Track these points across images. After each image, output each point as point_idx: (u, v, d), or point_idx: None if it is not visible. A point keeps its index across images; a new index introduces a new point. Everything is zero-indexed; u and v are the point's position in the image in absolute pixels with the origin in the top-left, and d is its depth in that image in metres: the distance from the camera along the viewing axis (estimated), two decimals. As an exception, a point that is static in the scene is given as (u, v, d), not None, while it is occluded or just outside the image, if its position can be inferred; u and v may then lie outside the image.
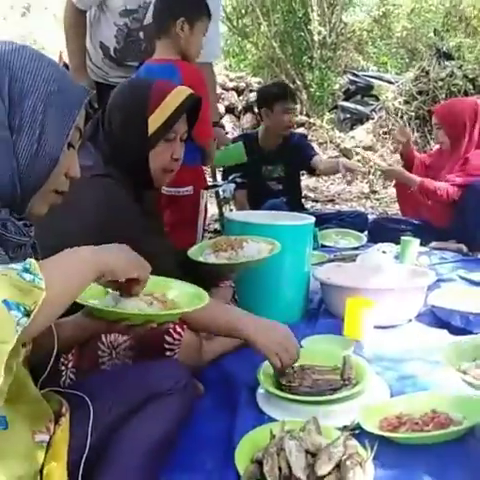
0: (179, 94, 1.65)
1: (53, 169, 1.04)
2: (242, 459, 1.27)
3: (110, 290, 1.17)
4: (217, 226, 4.04)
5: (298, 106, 3.58)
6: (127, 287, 1.11)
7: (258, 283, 2.08)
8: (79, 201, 1.40)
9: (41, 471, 1.05)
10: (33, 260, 0.86)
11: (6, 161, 0.99)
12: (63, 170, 1.07)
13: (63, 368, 1.47)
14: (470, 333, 1.95)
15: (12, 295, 0.79)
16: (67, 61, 2.72)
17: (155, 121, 1.60)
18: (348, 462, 1.20)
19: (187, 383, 1.34)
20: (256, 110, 5.50)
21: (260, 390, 1.58)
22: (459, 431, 1.30)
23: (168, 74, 2.23)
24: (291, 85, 10.17)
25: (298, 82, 9.78)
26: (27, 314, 0.79)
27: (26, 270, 0.83)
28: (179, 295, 1.29)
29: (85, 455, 1.10)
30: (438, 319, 2.09)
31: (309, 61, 10.01)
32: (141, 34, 2.61)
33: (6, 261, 0.96)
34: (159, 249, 1.52)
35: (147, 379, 1.28)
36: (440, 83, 6.22)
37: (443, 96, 5.98)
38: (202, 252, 1.84)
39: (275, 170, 3.58)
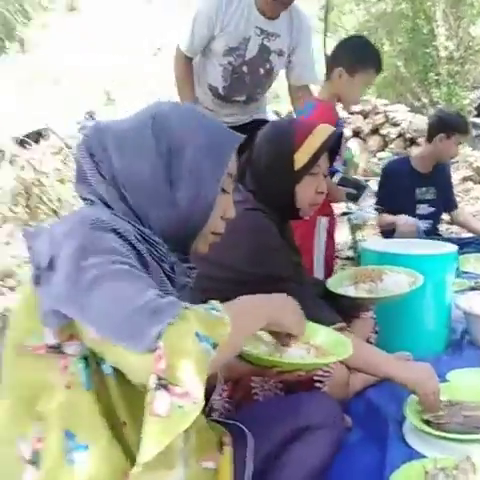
0: (323, 131, 1.72)
1: (210, 213, 1.13)
2: (395, 494, 1.28)
3: (264, 336, 1.24)
4: (350, 253, 4.04)
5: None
6: (284, 337, 1.19)
7: (399, 314, 2.07)
8: (233, 233, 1.50)
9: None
10: (217, 302, 0.96)
11: (169, 211, 1.09)
12: (219, 213, 1.16)
13: (218, 398, 1.57)
14: None
15: (202, 329, 0.89)
16: None
17: (301, 157, 1.68)
18: (508, 504, 1.18)
19: (338, 416, 1.38)
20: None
21: (407, 424, 1.58)
22: None
23: (306, 110, 2.49)
24: (416, 103, 9.96)
25: (424, 100, 9.54)
26: (214, 347, 0.89)
27: (213, 308, 0.94)
28: (325, 341, 1.33)
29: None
30: None
31: (436, 77, 9.73)
32: (245, 68, 2.73)
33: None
34: (305, 293, 1.57)
35: (300, 411, 1.33)
36: None
37: None
38: (341, 284, 1.88)
39: (428, 192, 3.54)
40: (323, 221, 2.59)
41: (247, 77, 2.74)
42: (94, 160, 1.09)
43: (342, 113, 5.73)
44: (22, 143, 7.52)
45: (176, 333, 0.86)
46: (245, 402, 1.53)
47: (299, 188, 1.69)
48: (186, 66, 2.77)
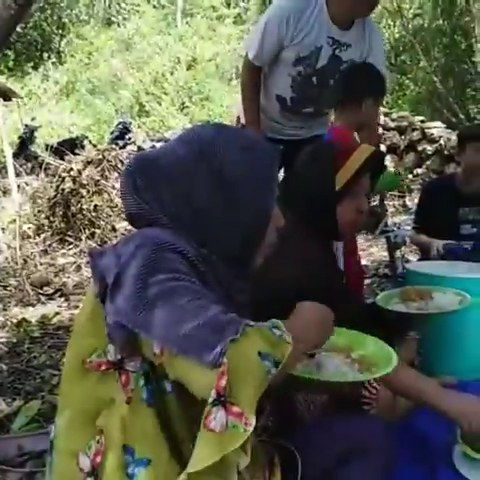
0: (364, 151, 1.72)
1: (267, 229, 1.15)
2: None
3: None
4: (387, 271, 4.00)
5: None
6: None
7: (444, 337, 2.05)
8: (279, 254, 1.51)
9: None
10: (278, 320, 0.97)
11: (229, 234, 1.11)
12: (273, 226, 1.18)
13: (261, 416, 1.56)
14: None
15: (264, 347, 0.89)
16: (243, 121, 2.88)
17: (342, 177, 1.67)
18: None
19: (388, 438, 1.36)
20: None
21: (458, 450, 1.55)
22: None
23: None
24: (453, 119, 9.86)
25: (461, 116, 9.44)
26: (276, 365, 0.89)
27: (275, 327, 0.94)
28: (371, 354, 1.30)
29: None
30: None
31: (473, 93, 9.64)
32: (314, 79, 2.67)
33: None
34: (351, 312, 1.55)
35: (350, 434, 1.32)
36: None
37: None
38: (389, 301, 1.86)
39: (471, 212, 3.49)
40: (339, 245, 2.56)
41: (316, 88, 2.69)
42: (142, 197, 1.10)
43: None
44: (56, 152, 7.66)
45: (239, 350, 0.87)
46: (289, 421, 1.51)
47: (340, 208, 1.69)
48: (253, 74, 2.70)
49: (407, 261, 3.69)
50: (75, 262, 5.15)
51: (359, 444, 1.29)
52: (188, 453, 0.99)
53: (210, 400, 0.85)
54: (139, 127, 12.60)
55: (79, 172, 5.58)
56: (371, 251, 4.99)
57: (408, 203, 6.48)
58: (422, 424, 1.71)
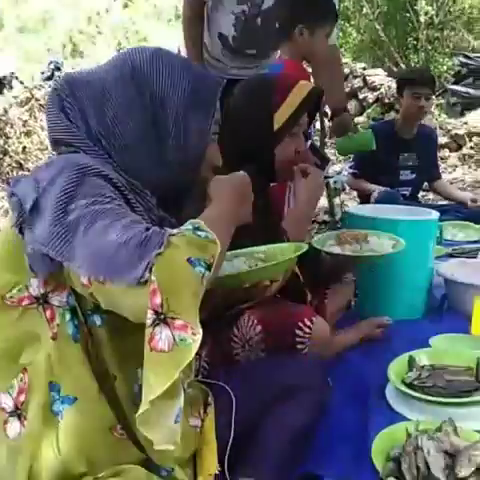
0: (302, 89, 1.67)
1: (201, 164, 1.10)
2: (378, 455, 1.28)
3: None
4: (326, 217, 4.02)
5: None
6: None
7: (380, 279, 2.07)
8: None
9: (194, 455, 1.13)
10: (197, 220, 0.92)
11: (160, 168, 1.05)
12: (209, 163, 1.13)
13: (196, 357, 1.54)
14: None
15: (192, 253, 0.85)
16: (184, 55, 2.77)
17: (281, 117, 1.63)
18: (491, 466, 1.19)
19: (322, 377, 1.38)
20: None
21: (390, 387, 1.58)
22: None
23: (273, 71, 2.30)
24: (394, 68, 9.89)
25: (402, 65, 9.47)
26: (208, 268, 0.86)
27: (197, 229, 0.90)
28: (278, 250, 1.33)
29: (230, 442, 1.16)
30: None
31: (414, 43, 9.66)
32: (259, 20, 2.58)
33: None
34: None
35: (287, 373, 1.33)
36: None
37: None
38: (326, 243, 1.86)
39: (411, 158, 3.51)
40: (292, 186, 2.54)
41: (260, 30, 2.59)
42: (69, 118, 1.03)
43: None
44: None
45: (167, 262, 0.83)
46: (225, 364, 1.50)
47: (278, 149, 1.64)
48: (195, 9, 2.59)
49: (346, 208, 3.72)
50: (2, 206, 4.93)
51: (294, 381, 1.31)
52: (120, 390, 0.98)
53: (149, 322, 0.81)
54: (73, 68, 12.04)
55: (5, 111, 5.28)
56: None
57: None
58: (356, 362, 1.74)
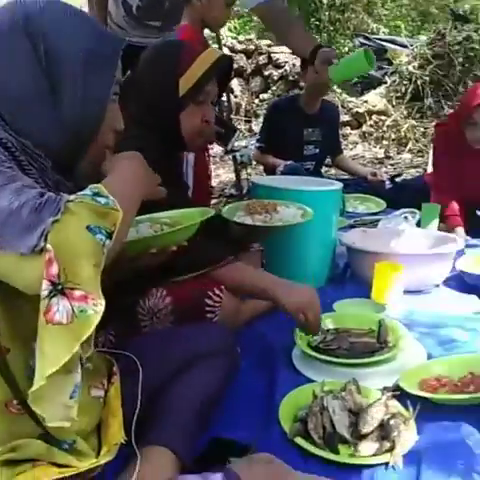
0: (210, 55, 1.63)
1: (100, 123, 1.03)
2: (286, 417, 1.30)
3: None
4: (233, 191, 4.03)
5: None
6: None
7: (287, 248, 2.09)
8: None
9: (99, 426, 1.08)
10: (97, 184, 0.87)
11: (53, 123, 0.98)
12: (110, 125, 1.07)
13: (101, 331, 1.49)
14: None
15: (92, 220, 0.80)
16: None
17: (186, 82, 1.58)
18: (392, 421, 1.24)
19: (231, 345, 1.38)
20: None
21: (296, 351, 1.61)
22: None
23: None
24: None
25: (306, 44, 9.60)
26: (109, 236, 0.81)
27: (97, 194, 0.84)
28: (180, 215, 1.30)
29: (137, 412, 1.13)
30: (466, 284, 2.11)
31: (317, 23, 9.82)
32: None
33: None
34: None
35: (193, 341, 1.32)
36: (456, 47, 6.11)
37: (460, 60, 5.90)
38: (235, 214, 1.84)
39: (315, 133, 3.56)
40: (190, 158, 2.49)
41: (166, 3, 2.51)
42: None
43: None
44: None
45: (65, 230, 0.78)
46: (132, 334, 1.46)
47: (184, 116, 1.60)
48: None
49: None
50: None
51: (202, 349, 1.30)
52: (14, 364, 0.91)
53: (45, 293, 0.75)
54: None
55: None
56: (218, 173, 5.00)
57: (254, 128, 6.54)
58: (263, 329, 1.76)
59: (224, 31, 8.51)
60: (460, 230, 2.79)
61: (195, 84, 1.58)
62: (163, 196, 1.13)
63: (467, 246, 2.46)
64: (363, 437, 1.23)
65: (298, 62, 6.74)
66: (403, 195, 3.35)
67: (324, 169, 4.31)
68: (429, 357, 1.58)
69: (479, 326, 1.78)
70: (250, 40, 7.67)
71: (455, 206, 2.87)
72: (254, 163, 4.21)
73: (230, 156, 3.70)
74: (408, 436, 1.21)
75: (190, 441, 1.17)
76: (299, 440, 1.23)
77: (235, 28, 11.22)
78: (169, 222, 1.25)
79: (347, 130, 6.18)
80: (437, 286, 2.15)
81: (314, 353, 1.52)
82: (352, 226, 2.86)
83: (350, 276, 2.28)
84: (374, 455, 1.19)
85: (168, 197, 1.17)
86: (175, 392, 1.22)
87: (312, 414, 1.27)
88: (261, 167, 4.00)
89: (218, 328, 1.44)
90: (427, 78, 5.92)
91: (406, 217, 2.74)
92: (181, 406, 1.20)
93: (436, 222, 2.72)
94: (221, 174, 4.94)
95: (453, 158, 2.86)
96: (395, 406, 1.31)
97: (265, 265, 2.15)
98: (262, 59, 7.34)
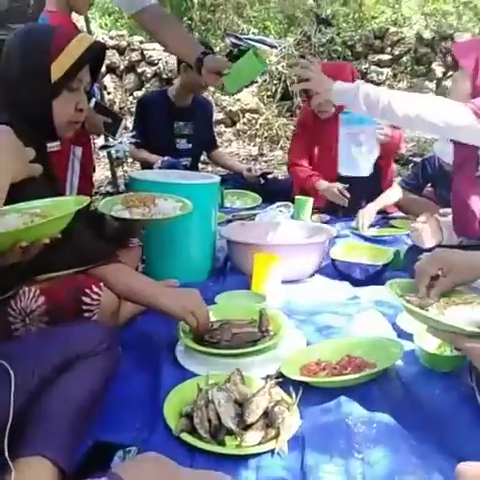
0: (83, 41, 1.55)
1: None
2: (171, 414, 1.27)
3: None
4: (109, 188, 3.91)
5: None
6: None
7: (167, 242, 2.06)
8: None
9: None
10: None
11: None
12: None
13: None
14: (370, 284, 2.08)
15: None
16: None
17: (58, 68, 1.49)
18: (276, 408, 1.25)
19: (111, 343, 1.32)
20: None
21: (179, 347, 1.58)
22: (374, 373, 1.39)
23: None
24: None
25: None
26: None
27: None
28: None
29: (10, 420, 1.05)
30: (339, 272, 2.21)
31: (189, 23, 9.83)
32: None
33: None
34: None
35: (70, 341, 1.25)
36: (321, 49, 6.42)
37: (325, 61, 6.18)
38: (112, 208, 1.78)
39: (186, 127, 3.52)
40: (77, 151, 2.40)
41: (30, 7, 2.41)
42: None
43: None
44: None
45: None
46: (3, 340, 1.35)
47: (57, 103, 1.51)
48: None
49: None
50: None
51: (80, 350, 1.24)
52: None
53: None
54: None
55: None
56: (92, 171, 4.81)
57: (129, 126, 6.41)
58: (145, 327, 1.71)
59: (95, 27, 8.26)
60: (322, 183, 3.09)
61: (68, 70, 1.50)
62: (39, 173, 1.05)
63: (338, 236, 2.59)
64: (249, 427, 1.23)
65: (172, 60, 6.72)
66: (277, 190, 3.46)
67: (201, 166, 4.32)
68: (308, 343, 1.63)
69: (353, 311, 1.86)
70: (122, 36, 7.50)
71: (308, 170, 3.21)
72: (130, 160, 4.12)
73: (105, 152, 3.58)
74: (292, 421, 1.23)
75: (69, 448, 1.10)
76: (185, 436, 1.20)
77: (106, 25, 10.94)
78: (40, 212, 1.14)
79: (222, 128, 6.25)
80: (313, 275, 2.23)
81: (197, 346, 1.50)
82: (230, 220, 2.89)
83: (230, 269, 2.30)
84: (260, 443, 1.19)
85: (36, 188, 1.09)
86: (51, 397, 1.15)
87: (197, 408, 1.25)
88: (138, 164, 3.92)
89: (97, 327, 1.38)
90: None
91: (281, 210, 2.82)
92: (58, 411, 1.13)
93: (309, 213, 2.83)
94: (96, 171, 4.77)
95: (306, 132, 3.28)
96: (278, 393, 1.33)
97: (145, 261, 2.11)
98: (135, 56, 7.22)
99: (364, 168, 3.14)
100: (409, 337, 1.60)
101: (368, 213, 2.90)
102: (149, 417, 1.30)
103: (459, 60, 1.89)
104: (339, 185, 3.03)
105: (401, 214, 3.17)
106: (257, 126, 6.12)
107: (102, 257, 1.48)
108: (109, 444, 1.19)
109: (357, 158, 3.13)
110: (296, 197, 2.95)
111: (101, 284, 1.48)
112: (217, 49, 9.26)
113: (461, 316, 1.16)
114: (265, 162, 5.06)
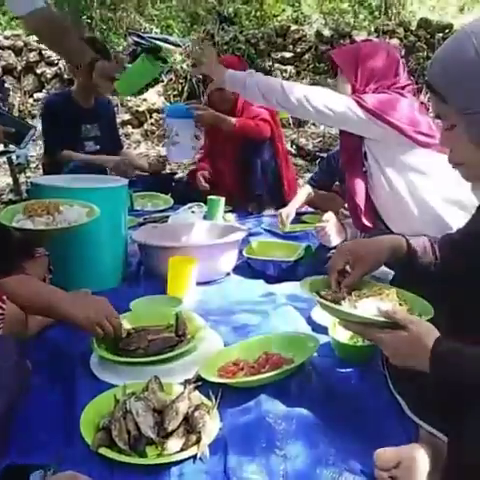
0: None
1: None
2: (88, 429, 1.23)
3: None
4: (12, 196, 3.73)
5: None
6: None
7: (75, 250, 1.99)
8: None
9: None
10: None
11: None
12: None
13: None
14: (284, 280, 2.11)
15: None
16: None
17: None
18: (196, 413, 1.24)
19: (21, 358, 1.26)
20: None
21: (93, 358, 1.53)
22: (291, 369, 1.41)
23: None
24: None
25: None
26: None
27: None
28: None
29: None
30: (253, 270, 2.22)
31: (89, 21, 9.57)
32: None
33: None
34: None
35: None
36: (225, 47, 6.45)
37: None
38: (13, 218, 1.69)
39: (93, 129, 3.41)
40: None
41: None
42: None
43: None
44: None
45: None
46: None
47: None
48: None
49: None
50: None
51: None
52: None
53: None
54: None
55: None
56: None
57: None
58: (56, 340, 1.64)
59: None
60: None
61: None
62: None
63: (250, 234, 2.61)
64: (170, 434, 1.21)
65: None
66: (189, 190, 3.43)
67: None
68: (226, 344, 1.63)
69: (268, 308, 1.88)
70: (18, 36, 7.18)
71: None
72: (33, 165, 3.96)
73: (5, 159, 3.41)
74: (212, 425, 1.23)
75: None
76: (104, 450, 1.16)
77: (0, 24, 10.45)
78: None
79: (129, 129, 6.13)
80: (228, 274, 2.23)
81: (112, 357, 1.46)
82: (142, 224, 2.84)
83: (144, 273, 2.25)
84: (182, 450, 1.17)
85: None
86: None
87: (115, 420, 1.22)
88: (41, 170, 3.76)
89: (2, 341, 1.30)
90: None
91: (193, 211, 2.80)
92: None
93: (221, 213, 2.83)
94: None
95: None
96: (198, 397, 1.32)
97: (53, 271, 2.02)
98: (33, 56, 6.94)
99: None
100: (324, 330, 1.64)
101: (289, 213, 2.92)
102: (65, 434, 1.25)
103: (339, 66, 1.99)
104: None
105: (311, 209, 3.24)
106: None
107: (4, 269, 1.41)
108: (22, 467, 1.13)
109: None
110: (209, 197, 2.94)
111: (4, 297, 1.40)
112: (120, 48, 9.09)
113: (372, 307, 1.20)
114: (175, 163, 5.01)
